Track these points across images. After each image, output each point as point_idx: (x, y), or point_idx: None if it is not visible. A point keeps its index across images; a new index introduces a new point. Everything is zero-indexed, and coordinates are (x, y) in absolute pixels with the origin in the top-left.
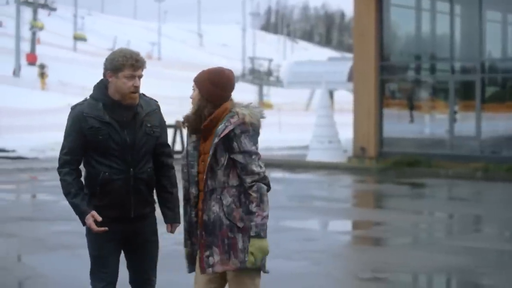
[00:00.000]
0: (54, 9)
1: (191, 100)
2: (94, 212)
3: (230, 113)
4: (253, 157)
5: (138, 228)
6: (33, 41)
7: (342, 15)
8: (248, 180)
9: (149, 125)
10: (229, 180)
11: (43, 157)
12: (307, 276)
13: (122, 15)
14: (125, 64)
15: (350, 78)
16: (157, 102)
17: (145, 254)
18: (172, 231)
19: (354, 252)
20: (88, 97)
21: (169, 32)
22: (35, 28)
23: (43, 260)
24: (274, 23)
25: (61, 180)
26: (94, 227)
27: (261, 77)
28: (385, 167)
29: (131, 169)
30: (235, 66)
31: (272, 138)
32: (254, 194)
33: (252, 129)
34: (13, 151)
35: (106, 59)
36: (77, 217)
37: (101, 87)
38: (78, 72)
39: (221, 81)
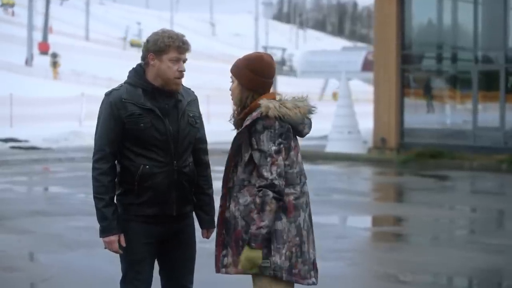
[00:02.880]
0: None
1: (230, 92)
2: (122, 236)
3: (259, 107)
4: (268, 159)
5: (178, 229)
6: (45, 30)
7: (355, 4)
8: (257, 183)
9: (191, 115)
10: (251, 178)
11: (56, 147)
12: (346, 278)
13: (134, 4)
14: (171, 45)
15: (365, 67)
16: (194, 92)
17: (182, 258)
18: (208, 237)
19: (388, 251)
20: (123, 83)
21: (181, 21)
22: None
23: (59, 260)
24: (287, 13)
25: (94, 178)
26: (114, 246)
27: None
28: (407, 159)
29: (175, 162)
30: None
31: None
32: (257, 200)
33: (278, 125)
34: (26, 141)
35: (148, 40)
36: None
37: (139, 72)
38: (91, 62)
39: (261, 67)
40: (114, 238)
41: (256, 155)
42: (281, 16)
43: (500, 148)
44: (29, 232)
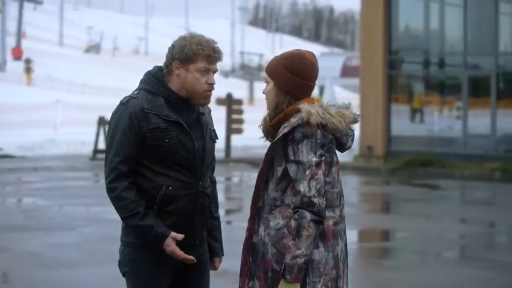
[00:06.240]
0: (40, 3)
1: (264, 96)
2: (173, 233)
3: (298, 112)
4: (307, 172)
5: (197, 257)
6: (19, 35)
7: (331, 10)
8: (293, 202)
9: (212, 129)
10: (285, 196)
11: (31, 156)
12: None
13: (109, 10)
14: (200, 54)
15: (343, 73)
16: None
17: None
18: (217, 267)
19: (392, 270)
20: (139, 90)
21: (156, 27)
22: None
23: (38, 281)
24: (263, 18)
25: (117, 197)
26: (180, 252)
27: (251, 72)
28: (395, 167)
29: (200, 183)
30: (225, 61)
31: None
32: (292, 224)
33: (320, 135)
34: (0, 149)
35: (173, 46)
36: (79, 226)
37: (159, 78)
38: (65, 67)
39: (301, 67)
40: (173, 245)
41: (292, 168)
42: (257, 22)
43: (491, 156)
44: (3, 249)
